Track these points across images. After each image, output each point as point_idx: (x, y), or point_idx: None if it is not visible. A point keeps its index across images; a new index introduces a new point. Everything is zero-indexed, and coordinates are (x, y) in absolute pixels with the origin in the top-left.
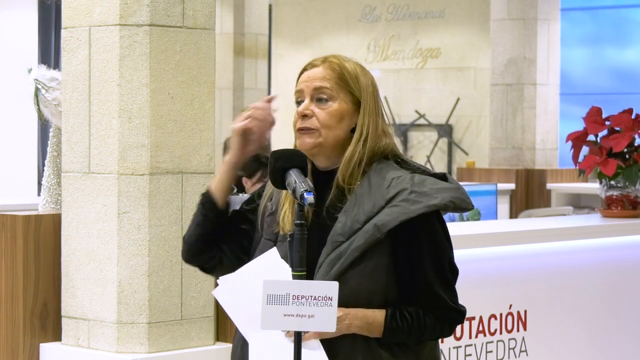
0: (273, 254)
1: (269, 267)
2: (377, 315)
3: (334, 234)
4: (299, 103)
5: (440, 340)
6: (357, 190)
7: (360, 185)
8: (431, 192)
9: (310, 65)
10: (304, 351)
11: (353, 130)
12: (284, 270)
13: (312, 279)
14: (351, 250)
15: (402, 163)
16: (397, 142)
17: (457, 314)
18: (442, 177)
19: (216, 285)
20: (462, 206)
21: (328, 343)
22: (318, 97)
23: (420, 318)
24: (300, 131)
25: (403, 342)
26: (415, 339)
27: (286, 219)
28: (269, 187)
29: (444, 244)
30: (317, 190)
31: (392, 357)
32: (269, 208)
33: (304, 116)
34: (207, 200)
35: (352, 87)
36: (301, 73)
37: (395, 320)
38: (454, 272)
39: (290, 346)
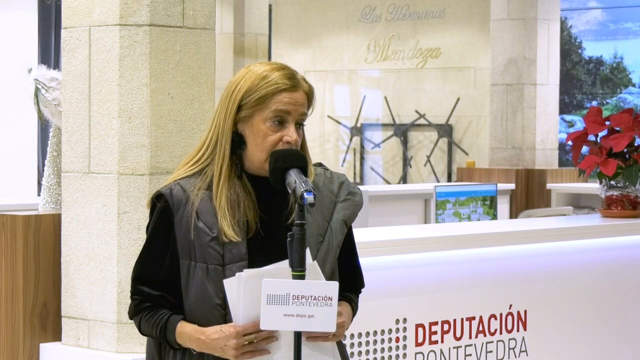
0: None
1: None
2: (347, 310)
3: (311, 234)
4: (278, 122)
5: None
6: None
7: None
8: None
9: (293, 87)
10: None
11: None
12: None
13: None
14: (334, 247)
15: None
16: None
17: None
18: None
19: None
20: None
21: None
22: (298, 122)
23: (357, 299)
24: None
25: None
26: None
27: (226, 225)
28: (183, 216)
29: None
30: (267, 198)
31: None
32: (206, 234)
33: (287, 142)
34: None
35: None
36: (280, 90)
37: (355, 307)
38: None
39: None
